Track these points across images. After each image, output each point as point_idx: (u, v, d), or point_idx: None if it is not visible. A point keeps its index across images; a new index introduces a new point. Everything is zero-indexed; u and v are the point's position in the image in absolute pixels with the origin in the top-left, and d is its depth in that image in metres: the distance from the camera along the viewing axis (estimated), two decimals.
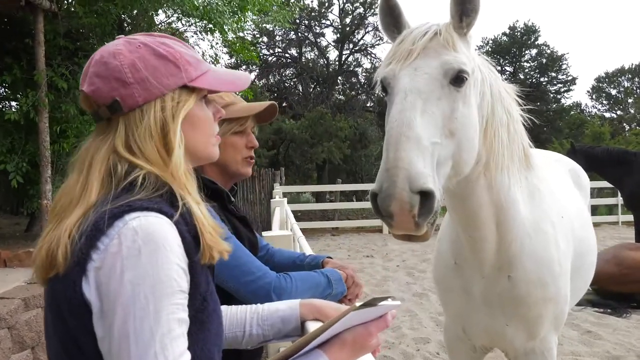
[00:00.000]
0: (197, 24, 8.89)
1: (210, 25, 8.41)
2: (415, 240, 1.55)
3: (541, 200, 2.12)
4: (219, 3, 8.21)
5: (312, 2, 25.12)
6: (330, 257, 1.94)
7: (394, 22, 1.80)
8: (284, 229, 5.01)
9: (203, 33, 9.22)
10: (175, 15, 8.92)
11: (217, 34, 9.00)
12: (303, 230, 13.70)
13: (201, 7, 7.89)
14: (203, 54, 9.76)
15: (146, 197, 0.96)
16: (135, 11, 8.15)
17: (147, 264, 0.87)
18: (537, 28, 32.65)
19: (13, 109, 6.94)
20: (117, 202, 0.94)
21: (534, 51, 32.88)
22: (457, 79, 1.62)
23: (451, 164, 1.62)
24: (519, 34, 32.38)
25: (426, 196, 1.43)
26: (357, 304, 0.94)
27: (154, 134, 1.03)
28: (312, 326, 1.16)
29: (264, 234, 2.80)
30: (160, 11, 8.76)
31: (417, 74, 1.60)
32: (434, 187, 1.45)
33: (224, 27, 8.35)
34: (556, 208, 2.23)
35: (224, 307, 1.29)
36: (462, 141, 1.63)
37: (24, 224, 10.38)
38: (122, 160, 1.01)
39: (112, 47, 1.06)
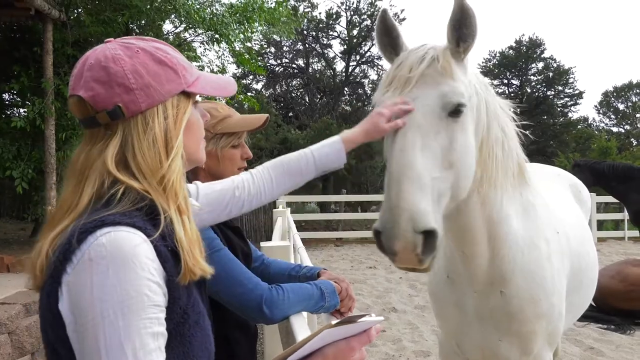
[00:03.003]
0: (204, 34, 8.98)
1: (217, 36, 8.50)
2: (417, 272, 1.57)
3: (535, 216, 2.10)
4: (225, 15, 8.30)
5: (319, 14, 25.39)
6: (325, 269, 1.94)
7: (391, 42, 1.79)
8: (285, 240, 5.02)
9: (210, 43, 9.31)
10: (183, 25, 9.02)
11: (223, 44, 9.08)
12: (307, 240, 13.53)
13: (207, 19, 7.98)
14: (210, 63, 9.85)
15: (122, 211, 0.94)
16: (143, 21, 8.25)
17: (115, 280, 0.86)
18: (542, 41, 32.72)
19: (19, 116, 7.00)
20: (92, 217, 0.93)
21: (540, 64, 32.90)
22: (456, 111, 1.62)
23: (450, 194, 1.63)
24: (524, 47, 32.43)
25: (430, 235, 1.45)
26: (333, 322, 0.93)
27: (158, 140, 1.02)
28: (302, 337, 1.16)
29: (263, 244, 2.80)
30: (167, 21, 8.87)
31: (415, 105, 1.60)
32: (436, 225, 1.47)
33: (230, 37, 8.44)
34: (551, 223, 2.21)
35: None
36: (460, 170, 1.63)
37: (29, 229, 10.44)
38: (109, 174, 1.00)
39: (109, 51, 1.03)
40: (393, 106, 1.58)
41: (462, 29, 1.65)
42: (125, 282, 0.87)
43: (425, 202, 1.47)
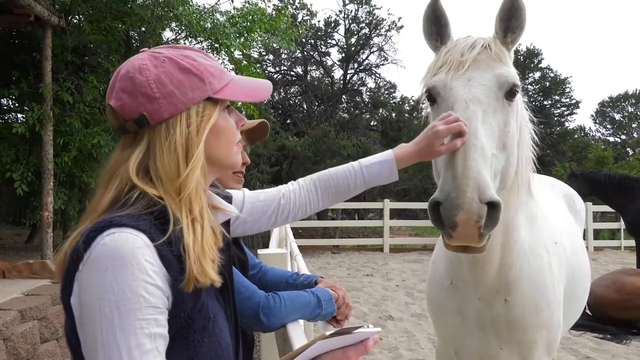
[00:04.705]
0: (204, 42, 9.01)
1: (217, 45, 8.54)
2: (469, 252, 1.52)
3: (538, 226, 2.12)
4: (226, 25, 8.35)
5: (318, 22, 25.50)
6: (323, 277, 1.95)
7: (438, 31, 1.80)
8: (282, 247, 5.02)
9: (209, 51, 9.34)
10: (183, 34, 9.05)
11: (223, 53, 9.12)
12: (304, 248, 13.47)
13: (208, 29, 8.02)
14: None
15: (131, 214, 0.97)
16: (143, 28, 8.29)
17: (112, 280, 0.89)
18: (539, 51, 32.92)
19: (19, 122, 7.00)
20: (104, 217, 0.97)
21: (537, 74, 33.09)
22: (511, 92, 1.64)
23: (499, 178, 1.63)
24: (522, 57, 32.62)
25: (493, 207, 1.41)
26: (327, 332, 0.94)
27: (178, 148, 1.04)
28: (298, 345, 1.17)
29: (260, 251, 2.81)
30: (167, 29, 8.91)
31: (472, 84, 1.60)
32: (500, 198, 1.44)
33: (230, 48, 8.48)
34: (550, 234, 2.23)
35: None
36: (510, 155, 1.64)
37: (25, 235, 10.41)
38: (129, 180, 1.03)
39: (138, 61, 1.08)
40: (452, 120, 1.49)
41: (511, 20, 1.68)
42: (122, 282, 0.90)
43: (488, 174, 1.44)
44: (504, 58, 1.68)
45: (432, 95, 1.72)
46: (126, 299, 0.89)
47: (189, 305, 0.99)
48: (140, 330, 0.89)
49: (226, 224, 1.26)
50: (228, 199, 1.36)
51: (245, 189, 1.49)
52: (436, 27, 1.80)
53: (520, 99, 1.85)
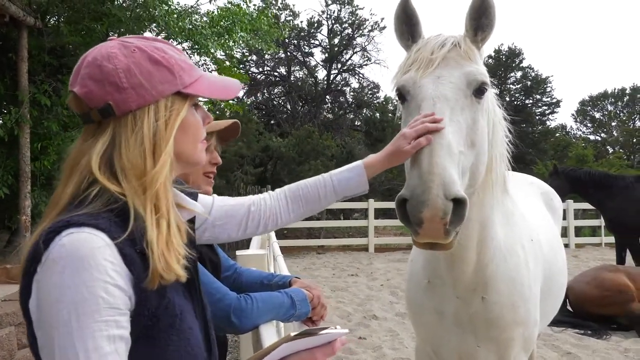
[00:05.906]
0: (184, 44, 8.94)
1: (197, 46, 8.48)
2: (438, 249, 1.52)
3: (514, 223, 2.13)
4: (204, 26, 8.29)
5: (301, 22, 25.51)
6: (298, 277, 1.94)
7: (409, 30, 1.81)
8: (264, 248, 4.98)
9: (190, 52, 9.27)
10: (162, 35, 8.97)
11: (204, 54, 9.05)
12: (288, 248, 13.37)
13: (186, 30, 7.96)
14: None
15: (90, 212, 0.95)
16: (122, 29, 8.19)
17: (70, 281, 0.87)
18: (520, 51, 33.35)
19: None
20: (62, 216, 0.94)
21: (519, 73, 33.50)
22: (479, 90, 1.65)
23: (469, 175, 1.63)
24: (503, 56, 32.99)
25: (459, 204, 1.41)
26: (292, 333, 0.93)
27: (145, 142, 1.02)
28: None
29: (238, 252, 2.78)
30: (147, 31, 8.83)
31: (441, 82, 1.61)
32: (465, 194, 1.44)
33: (210, 49, 8.42)
34: (526, 231, 2.24)
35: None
36: (480, 153, 1.65)
37: (4, 239, 10.21)
38: (90, 173, 1.00)
39: (106, 49, 1.05)
40: (418, 124, 1.50)
41: (481, 18, 1.69)
42: (80, 284, 0.87)
43: (455, 171, 1.45)
44: (474, 56, 1.69)
45: (402, 94, 1.73)
46: (84, 301, 0.86)
47: (153, 304, 0.97)
48: (99, 332, 0.86)
49: (190, 222, 1.25)
50: (193, 195, 1.34)
51: (215, 195, 1.47)
52: (407, 26, 1.81)
53: (491, 96, 1.86)
